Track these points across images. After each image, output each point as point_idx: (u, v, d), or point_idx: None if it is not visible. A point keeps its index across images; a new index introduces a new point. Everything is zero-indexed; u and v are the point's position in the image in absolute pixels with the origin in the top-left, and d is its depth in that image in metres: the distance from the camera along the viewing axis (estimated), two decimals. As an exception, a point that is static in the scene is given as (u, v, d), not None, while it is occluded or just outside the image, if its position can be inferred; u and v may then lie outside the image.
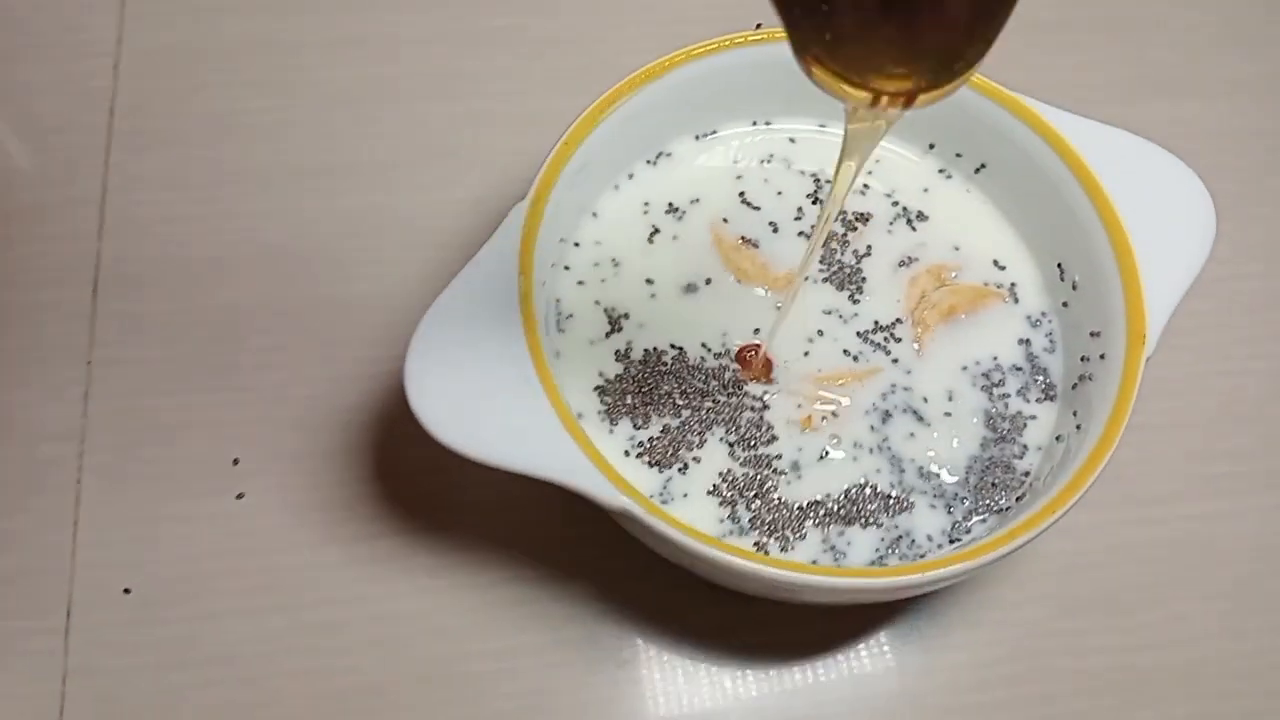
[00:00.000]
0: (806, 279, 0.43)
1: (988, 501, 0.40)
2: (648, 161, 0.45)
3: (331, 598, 0.43)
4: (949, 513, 0.40)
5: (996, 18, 0.26)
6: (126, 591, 0.43)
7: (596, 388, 0.41)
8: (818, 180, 0.45)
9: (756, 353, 0.41)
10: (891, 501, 0.39)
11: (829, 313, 0.43)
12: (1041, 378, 0.42)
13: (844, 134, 0.32)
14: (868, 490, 0.39)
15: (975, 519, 0.40)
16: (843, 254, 0.44)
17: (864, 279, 0.43)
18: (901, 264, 0.44)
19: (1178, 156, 0.42)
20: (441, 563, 0.43)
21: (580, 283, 0.43)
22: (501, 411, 0.36)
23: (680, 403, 0.40)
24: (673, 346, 0.42)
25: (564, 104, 0.41)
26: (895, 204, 0.45)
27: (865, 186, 0.45)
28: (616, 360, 0.41)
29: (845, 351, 0.42)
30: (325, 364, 0.47)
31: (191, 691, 0.41)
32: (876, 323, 0.43)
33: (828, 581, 0.34)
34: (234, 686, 0.41)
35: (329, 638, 0.42)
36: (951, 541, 0.39)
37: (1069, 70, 0.56)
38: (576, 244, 0.43)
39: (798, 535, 0.38)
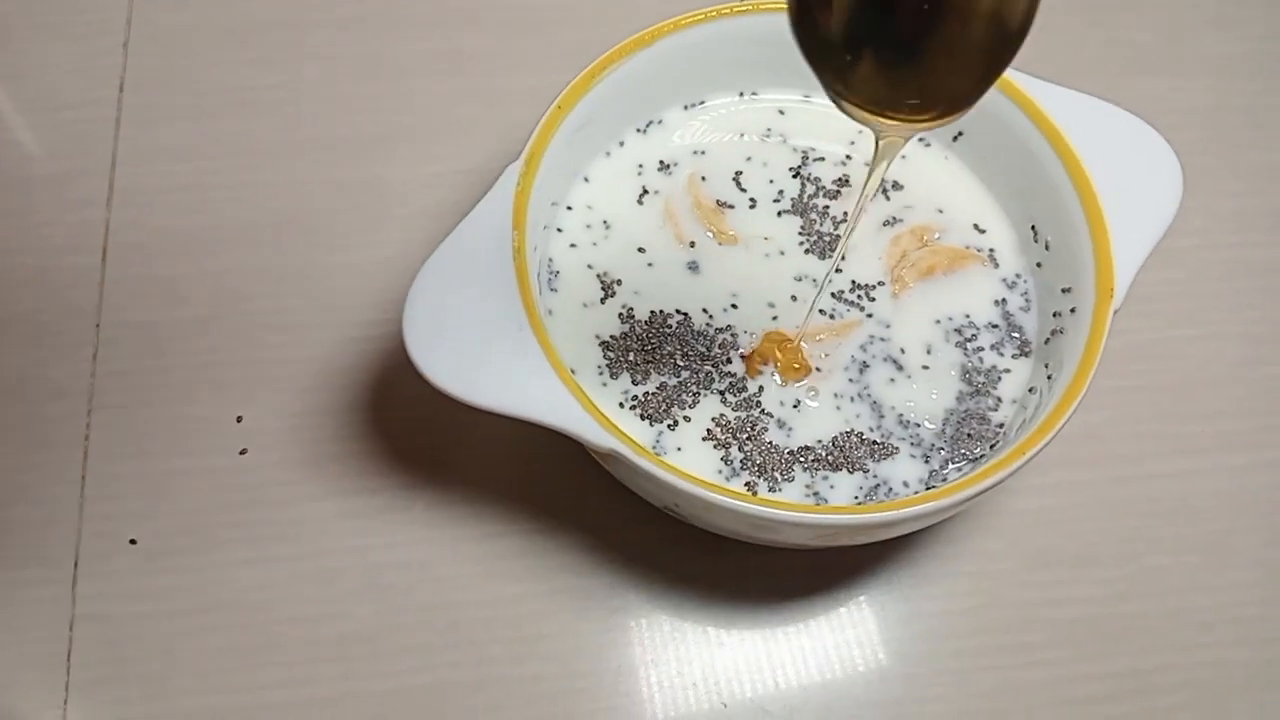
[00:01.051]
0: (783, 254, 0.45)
1: (964, 451, 0.41)
2: (638, 130, 0.47)
3: (331, 548, 0.44)
4: (926, 462, 0.41)
5: (1003, 60, 0.29)
6: (133, 542, 0.44)
7: (602, 343, 0.42)
8: (805, 157, 0.47)
9: (780, 348, 0.43)
10: (877, 447, 0.41)
11: (800, 279, 0.44)
12: (1016, 335, 0.43)
13: (875, 145, 0.34)
14: (854, 437, 0.41)
15: (951, 468, 0.41)
16: (821, 224, 0.45)
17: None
18: (886, 224, 0.45)
19: (1149, 124, 0.43)
20: (437, 516, 0.45)
21: (573, 245, 0.44)
22: (495, 357, 0.37)
23: (681, 364, 0.42)
24: (678, 312, 0.43)
25: (559, 79, 0.43)
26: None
27: (847, 156, 0.47)
28: (621, 321, 0.43)
29: (821, 311, 0.43)
30: (325, 327, 0.48)
31: (194, 637, 0.43)
32: (854, 282, 0.44)
33: (805, 518, 0.36)
34: (235, 633, 0.43)
35: (328, 586, 0.44)
36: (928, 489, 0.41)
37: (1049, 48, 0.57)
38: (569, 207, 0.45)
39: (786, 478, 0.40)
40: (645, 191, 0.46)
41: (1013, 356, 0.43)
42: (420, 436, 0.46)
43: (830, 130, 0.47)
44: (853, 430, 0.41)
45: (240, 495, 0.45)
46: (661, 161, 0.46)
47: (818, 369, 0.42)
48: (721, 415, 0.41)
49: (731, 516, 0.37)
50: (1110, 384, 0.48)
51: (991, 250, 0.45)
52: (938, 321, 0.44)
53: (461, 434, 0.46)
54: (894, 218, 0.46)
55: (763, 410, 0.41)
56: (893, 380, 0.42)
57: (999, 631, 0.44)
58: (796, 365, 0.42)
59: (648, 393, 0.41)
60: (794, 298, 0.44)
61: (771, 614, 0.44)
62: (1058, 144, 0.42)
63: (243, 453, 0.46)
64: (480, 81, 0.56)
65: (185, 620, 0.43)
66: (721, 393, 0.42)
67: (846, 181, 0.46)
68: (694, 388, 0.42)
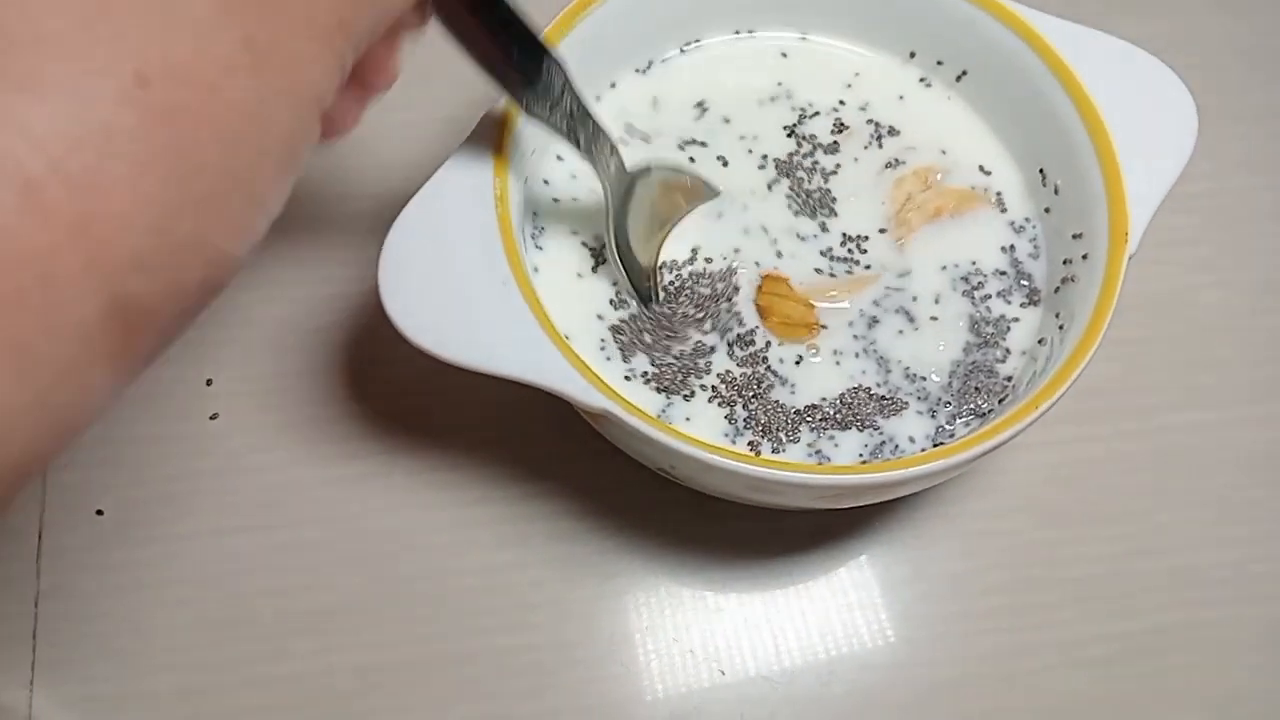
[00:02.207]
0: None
1: (971, 406, 0.39)
2: (636, 70, 0.44)
3: (307, 517, 0.42)
4: (933, 417, 0.39)
5: None
6: (99, 513, 0.42)
7: (611, 327, 0.40)
8: (802, 114, 0.44)
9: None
10: (885, 403, 0.39)
11: (802, 237, 0.42)
12: (1025, 283, 0.41)
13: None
14: (862, 393, 0.39)
15: (959, 422, 0.39)
16: (810, 182, 0.43)
17: (834, 200, 0.43)
18: (888, 166, 0.43)
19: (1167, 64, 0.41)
20: (419, 482, 0.43)
21: (556, 200, 0.42)
22: (477, 313, 0.35)
23: (699, 315, 0.40)
24: (674, 262, 0.41)
25: (545, 15, 0.40)
26: (870, 121, 0.44)
27: (840, 102, 0.45)
28: (617, 306, 0.40)
29: (816, 270, 0.41)
30: (298, 284, 0.46)
31: (165, 611, 0.41)
32: (845, 235, 0.42)
33: (807, 479, 0.34)
34: (209, 606, 0.41)
35: (304, 557, 0.42)
36: (935, 446, 0.39)
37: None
38: (559, 157, 0.43)
39: (791, 439, 0.38)
40: (626, 142, 0.43)
41: (1021, 305, 0.41)
42: (400, 399, 0.44)
43: (825, 79, 0.45)
44: (859, 386, 0.39)
45: (212, 462, 0.43)
46: (650, 109, 0.44)
47: (823, 326, 0.40)
48: (728, 372, 0.39)
49: (729, 478, 0.35)
50: (1118, 334, 0.45)
51: (999, 193, 0.43)
52: (943, 268, 0.42)
53: (444, 395, 0.44)
54: (896, 159, 0.43)
55: (768, 367, 0.39)
56: (900, 333, 0.40)
57: (1005, 592, 0.43)
58: (808, 323, 0.40)
59: (663, 366, 0.39)
60: (779, 253, 0.42)
61: (770, 577, 0.42)
62: (1067, 82, 0.40)
63: (213, 418, 0.44)
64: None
65: (156, 594, 0.41)
66: (730, 345, 0.40)
67: (841, 127, 0.44)
68: (709, 348, 0.40)
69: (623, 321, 0.40)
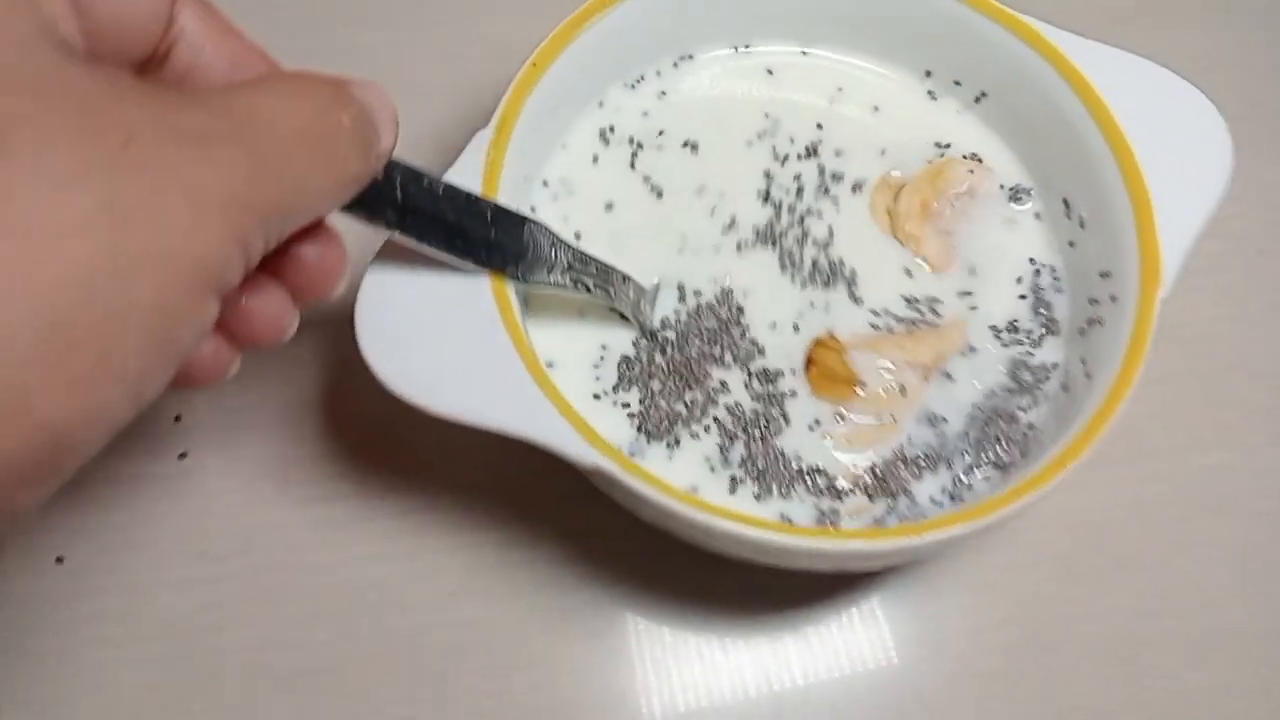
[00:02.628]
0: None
1: (990, 456, 0.37)
2: (626, 85, 0.42)
3: (281, 565, 0.40)
4: (949, 468, 0.37)
5: None
6: (59, 560, 0.39)
7: (623, 357, 0.38)
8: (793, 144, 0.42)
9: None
10: (915, 464, 0.37)
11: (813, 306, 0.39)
12: (1044, 311, 0.39)
13: None
14: (897, 464, 0.37)
15: (977, 474, 0.37)
16: (802, 251, 0.40)
17: (845, 266, 0.40)
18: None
19: (1194, 85, 0.39)
20: (402, 526, 0.40)
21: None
22: (460, 357, 0.33)
23: (715, 351, 0.38)
24: (683, 291, 0.39)
25: (536, 31, 0.38)
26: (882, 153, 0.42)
27: (817, 126, 0.42)
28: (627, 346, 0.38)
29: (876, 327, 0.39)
30: (273, 313, 0.43)
31: (128, 669, 0.38)
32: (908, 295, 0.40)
33: (820, 545, 0.31)
34: (175, 664, 0.38)
35: (277, 610, 0.39)
36: (952, 499, 0.36)
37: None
38: (545, 182, 0.40)
39: (783, 494, 0.36)
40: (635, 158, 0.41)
41: (1039, 338, 0.39)
42: (379, 436, 0.41)
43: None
44: (895, 455, 0.37)
45: (180, 505, 0.40)
46: (638, 134, 0.41)
47: (864, 383, 0.38)
48: (738, 404, 0.37)
49: (734, 543, 0.32)
50: (1145, 370, 0.43)
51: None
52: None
53: (426, 432, 0.40)
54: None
55: (783, 411, 0.37)
56: (949, 377, 0.38)
57: (1023, 650, 0.40)
58: (850, 380, 0.38)
59: (653, 409, 0.37)
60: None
61: (777, 631, 0.40)
62: (1094, 107, 0.38)
63: (182, 456, 0.41)
64: (444, 32, 0.50)
65: (118, 650, 0.38)
66: (751, 375, 0.37)
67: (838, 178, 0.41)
68: (725, 386, 0.37)
69: (634, 359, 0.37)
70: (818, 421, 0.37)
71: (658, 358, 0.37)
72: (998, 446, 0.37)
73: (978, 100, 0.41)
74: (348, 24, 0.50)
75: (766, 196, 0.40)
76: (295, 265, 0.28)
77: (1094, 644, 0.40)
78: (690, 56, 0.42)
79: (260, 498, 0.40)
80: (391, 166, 0.30)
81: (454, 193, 0.32)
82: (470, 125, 0.36)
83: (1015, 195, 0.40)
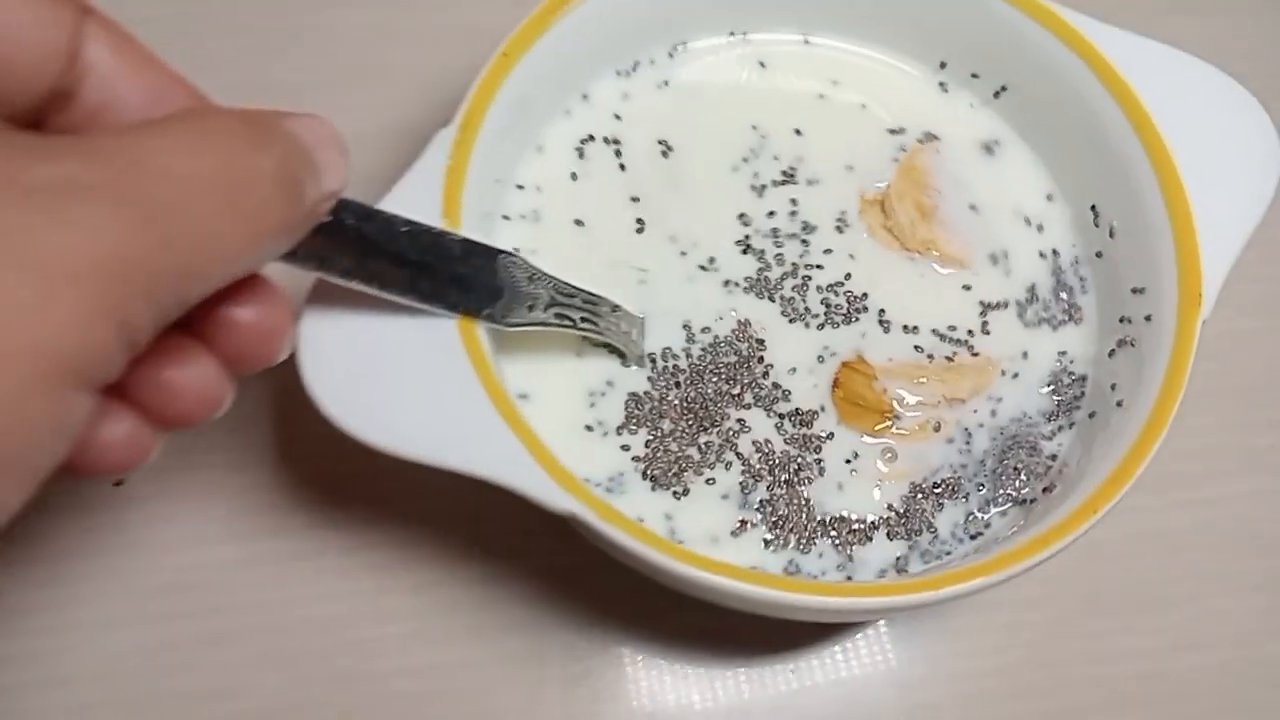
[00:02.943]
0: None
1: (1009, 490, 0.33)
2: (619, 73, 0.38)
3: (225, 605, 0.36)
4: (965, 500, 0.33)
5: None
6: (-21, 598, 0.36)
7: (631, 394, 0.34)
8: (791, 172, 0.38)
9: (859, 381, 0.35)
10: (940, 491, 0.34)
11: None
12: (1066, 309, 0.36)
13: None
14: (918, 495, 0.33)
15: (994, 511, 0.33)
16: (805, 299, 0.36)
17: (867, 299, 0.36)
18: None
19: (1234, 79, 0.35)
20: (355, 563, 0.37)
21: (515, 248, 0.35)
22: (419, 390, 0.29)
23: (735, 390, 0.34)
24: (686, 329, 0.35)
25: (511, 14, 0.34)
26: (897, 134, 0.38)
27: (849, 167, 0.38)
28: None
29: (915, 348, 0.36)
30: (220, 324, 0.40)
31: (56, 715, 0.35)
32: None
33: (829, 602, 0.28)
34: (108, 711, 0.35)
35: (222, 652, 0.36)
36: (972, 537, 0.33)
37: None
38: (520, 186, 0.36)
39: (802, 548, 0.33)
40: (620, 167, 0.37)
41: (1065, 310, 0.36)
42: (334, 464, 0.38)
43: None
44: (915, 487, 0.34)
45: (114, 538, 0.37)
46: (619, 135, 0.37)
47: (897, 415, 0.34)
48: (767, 441, 0.33)
49: (737, 601, 0.29)
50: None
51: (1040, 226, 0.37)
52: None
53: (383, 461, 0.37)
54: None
55: (819, 459, 0.33)
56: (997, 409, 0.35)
57: (1039, 694, 0.37)
58: (882, 409, 0.34)
59: (661, 452, 0.33)
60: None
61: (760, 686, 0.37)
62: (1130, 107, 0.34)
63: (118, 484, 0.38)
64: (417, 13, 0.46)
65: (44, 696, 0.35)
66: (780, 418, 0.34)
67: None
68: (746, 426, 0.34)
69: (646, 394, 0.34)
70: (855, 454, 0.34)
71: (670, 395, 0.34)
72: (1018, 479, 0.34)
73: (997, 95, 0.38)
74: (330, 7, 0.46)
75: (747, 248, 0.36)
76: (227, 329, 0.24)
77: (1117, 685, 0.37)
78: (685, 44, 0.38)
79: (202, 531, 0.37)
80: (342, 206, 0.26)
81: (416, 230, 0.29)
82: (444, 119, 0.32)
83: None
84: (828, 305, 0.35)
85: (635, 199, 0.36)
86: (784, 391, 0.34)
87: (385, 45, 0.45)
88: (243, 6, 0.45)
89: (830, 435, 0.34)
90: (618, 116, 0.37)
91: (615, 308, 0.33)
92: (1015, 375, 0.35)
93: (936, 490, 0.33)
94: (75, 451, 0.22)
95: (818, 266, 0.36)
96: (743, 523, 0.33)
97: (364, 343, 0.29)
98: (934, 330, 0.35)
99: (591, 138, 0.37)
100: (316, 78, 0.44)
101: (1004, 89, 0.37)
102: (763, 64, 0.38)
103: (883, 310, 0.35)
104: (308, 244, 0.26)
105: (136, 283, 0.19)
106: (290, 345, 0.26)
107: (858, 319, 0.35)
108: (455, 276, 0.29)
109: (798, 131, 0.38)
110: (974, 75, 0.38)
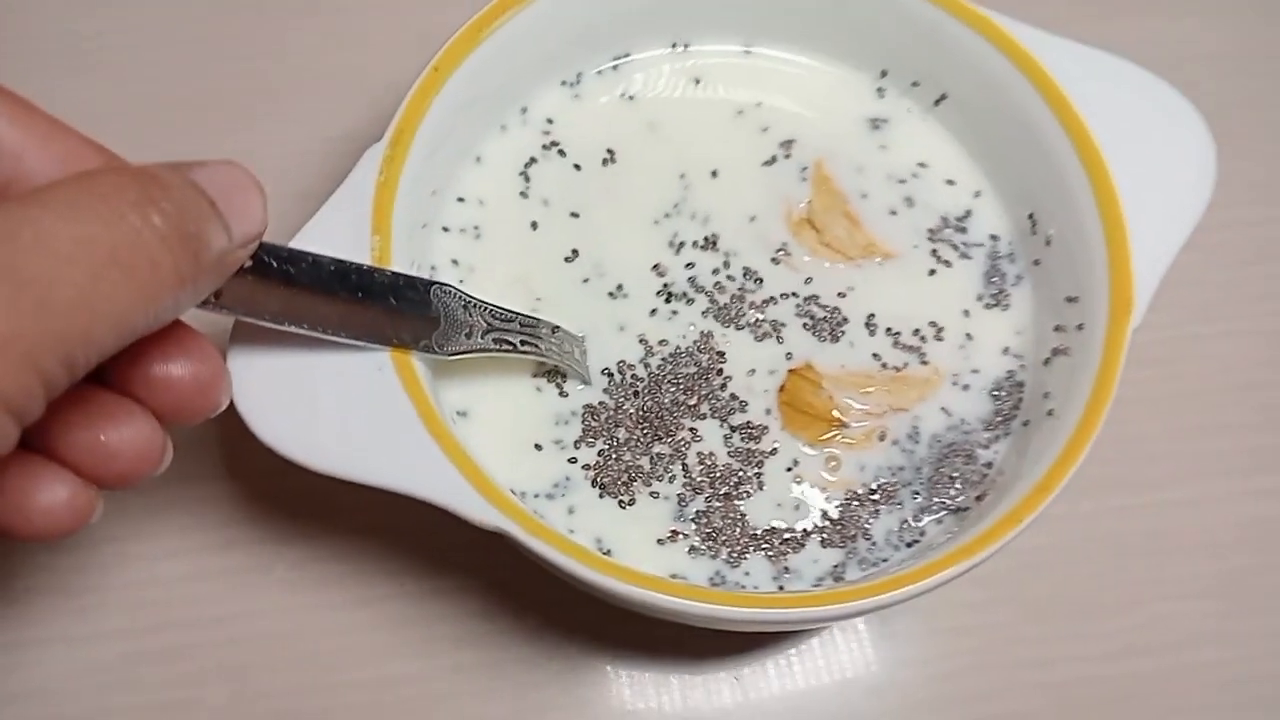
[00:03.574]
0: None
1: (943, 498, 0.34)
2: (562, 83, 0.38)
3: (174, 620, 0.37)
4: (900, 507, 0.33)
5: None
6: (-70, 616, 0.36)
7: (586, 406, 0.34)
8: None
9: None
10: (873, 498, 0.34)
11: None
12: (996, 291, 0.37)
13: None
14: (853, 505, 0.34)
15: (928, 519, 0.33)
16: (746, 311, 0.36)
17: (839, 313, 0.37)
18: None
19: (1171, 84, 0.35)
20: (303, 577, 0.37)
21: (455, 261, 0.35)
22: (350, 412, 0.29)
23: (691, 401, 0.34)
24: (644, 343, 0.35)
25: (457, 17, 0.34)
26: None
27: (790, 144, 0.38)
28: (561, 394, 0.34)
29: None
30: (169, 339, 0.40)
31: (5, 735, 0.35)
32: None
33: (762, 614, 0.29)
34: (57, 728, 0.35)
35: (171, 666, 0.36)
36: (908, 545, 0.33)
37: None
38: (460, 199, 0.36)
39: (731, 561, 0.33)
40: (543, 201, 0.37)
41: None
42: (281, 477, 0.37)
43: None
44: (853, 495, 0.34)
45: (63, 555, 0.37)
46: (559, 144, 0.38)
47: (844, 424, 0.35)
48: (711, 454, 0.34)
49: (667, 614, 0.29)
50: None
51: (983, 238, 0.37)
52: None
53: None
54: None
55: (759, 473, 0.34)
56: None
57: (983, 699, 0.37)
58: (828, 417, 0.35)
59: (612, 460, 0.34)
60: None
61: (704, 694, 0.37)
62: (1064, 115, 0.34)
63: (67, 501, 0.37)
64: (360, 22, 0.46)
65: (-5, 713, 0.35)
66: (731, 429, 0.34)
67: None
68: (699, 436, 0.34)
69: (601, 404, 0.34)
70: (796, 462, 0.34)
71: (627, 405, 0.34)
72: (953, 488, 0.34)
73: (937, 103, 0.38)
74: (263, 13, 0.46)
75: (696, 286, 0.36)
76: (161, 387, 0.25)
77: (1060, 690, 0.37)
78: (628, 55, 0.38)
79: (153, 546, 0.37)
80: (267, 250, 0.27)
81: (346, 268, 0.29)
82: (375, 127, 0.32)
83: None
84: (773, 324, 0.36)
85: (575, 214, 0.36)
86: (741, 403, 0.34)
87: (334, 53, 0.45)
88: (189, 20, 0.46)
89: (774, 451, 0.34)
90: (549, 130, 0.37)
91: (555, 329, 0.34)
92: (965, 387, 0.35)
93: (873, 497, 0.34)
94: (17, 517, 0.22)
95: (771, 301, 0.36)
96: (674, 533, 0.33)
97: (294, 366, 0.29)
98: (890, 330, 0.36)
99: (534, 159, 0.37)
100: (264, 87, 0.44)
101: (944, 97, 0.37)
102: (697, 80, 0.39)
103: (845, 319, 0.36)
104: (232, 291, 0.26)
105: (11, 357, 0.19)
106: (227, 398, 0.27)
107: (822, 331, 0.36)
108: (389, 310, 0.30)
109: (714, 174, 0.37)
110: (914, 84, 0.38)
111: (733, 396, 0.34)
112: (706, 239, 0.36)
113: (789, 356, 0.35)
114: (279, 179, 0.42)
